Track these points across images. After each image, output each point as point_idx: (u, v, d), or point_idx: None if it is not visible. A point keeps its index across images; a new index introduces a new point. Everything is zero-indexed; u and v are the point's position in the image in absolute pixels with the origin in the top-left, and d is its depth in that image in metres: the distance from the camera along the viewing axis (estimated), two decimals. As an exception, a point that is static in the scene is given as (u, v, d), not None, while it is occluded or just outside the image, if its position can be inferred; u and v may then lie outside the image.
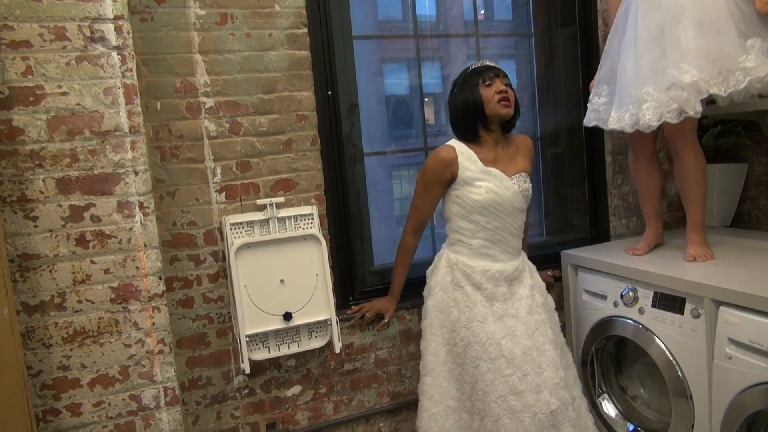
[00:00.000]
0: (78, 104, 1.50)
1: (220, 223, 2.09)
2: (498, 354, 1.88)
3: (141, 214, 1.57)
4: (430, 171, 1.96)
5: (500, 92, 1.91)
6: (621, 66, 2.06)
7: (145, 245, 1.58)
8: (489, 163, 1.97)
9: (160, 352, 1.61)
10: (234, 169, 2.11)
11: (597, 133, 2.68)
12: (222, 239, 2.09)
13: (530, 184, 2.04)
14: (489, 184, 1.93)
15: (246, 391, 2.19)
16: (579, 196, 2.81)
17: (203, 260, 2.09)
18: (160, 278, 1.60)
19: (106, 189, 1.54)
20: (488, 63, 1.99)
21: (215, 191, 2.09)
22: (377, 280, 2.47)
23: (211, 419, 2.15)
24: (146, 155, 1.57)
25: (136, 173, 1.56)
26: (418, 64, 2.53)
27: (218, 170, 2.09)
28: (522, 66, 2.79)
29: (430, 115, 2.76)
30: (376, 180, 2.65)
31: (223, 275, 2.11)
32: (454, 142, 1.98)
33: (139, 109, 1.55)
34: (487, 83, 1.93)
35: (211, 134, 2.07)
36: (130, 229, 1.56)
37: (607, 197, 2.74)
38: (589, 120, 2.27)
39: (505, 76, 1.97)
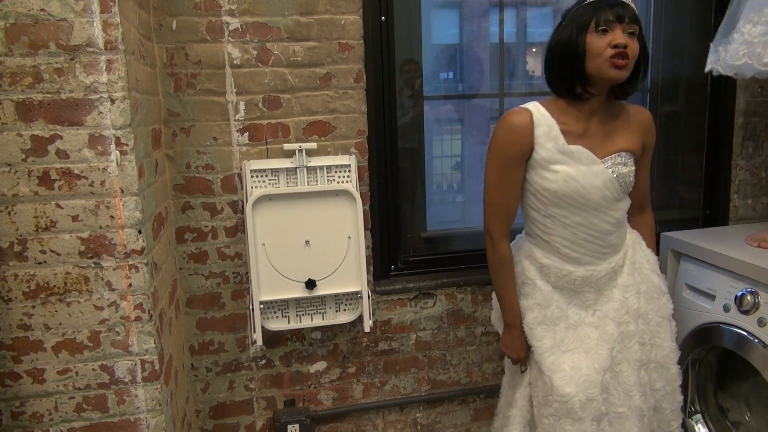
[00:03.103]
0: (42, 10, 1.21)
1: (241, 168, 1.78)
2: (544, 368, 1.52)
3: (117, 152, 1.28)
4: (501, 145, 1.46)
5: (616, 46, 1.34)
6: None
7: (122, 190, 1.29)
8: (575, 138, 1.45)
9: (138, 319, 1.34)
10: (260, 105, 1.78)
11: (727, 86, 2.11)
12: (242, 187, 1.79)
13: (631, 168, 1.51)
14: (569, 168, 1.44)
15: (263, 361, 1.92)
16: (694, 165, 2.29)
17: (220, 210, 1.81)
18: (140, 231, 1.31)
19: (75, 118, 1.25)
20: None
21: (237, 130, 1.78)
22: (428, 248, 2.11)
23: (223, 389, 1.91)
24: (125, 79, 1.26)
25: (113, 101, 1.26)
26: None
27: (241, 106, 1.77)
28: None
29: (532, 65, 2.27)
30: (437, 133, 2.24)
31: (242, 229, 1.82)
32: (532, 105, 1.47)
33: (118, 19, 1.24)
34: (601, 28, 1.35)
35: (235, 62, 1.74)
36: (104, 169, 1.28)
37: (730, 169, 2.19)
38: (738, 56, 1.67)
39: (634, 20, 1.36)
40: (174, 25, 1.69)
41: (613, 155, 1.48)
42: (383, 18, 1.85)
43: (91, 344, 1.35)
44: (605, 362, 1.49)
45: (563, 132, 1.44)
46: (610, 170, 1.46)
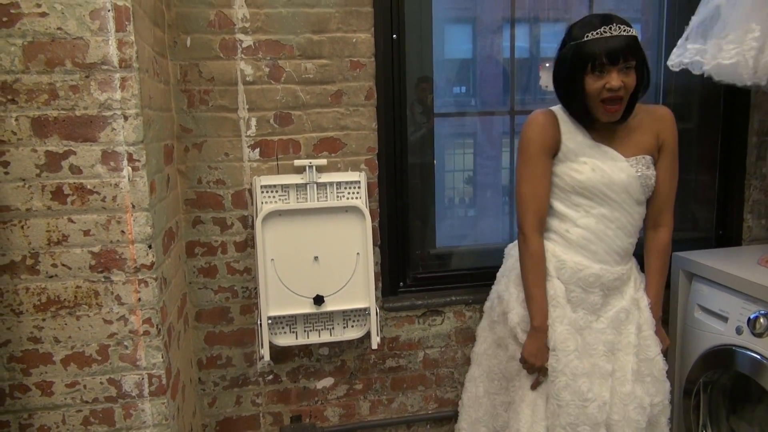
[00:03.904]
0: (59, 29, 1.23)
1: (251, 183, 1.80)
2: (567, 371, 1.50)
3: (129, 168, 1.30)
4: (529, 137, 1.52)
5: (610, 90, 1.40)
6: None
7: (133, 206, 1.31)
8: (600, 138, 1.52)
9: (146, 333, 1.35)
10: (272, 121, 1.79)
11: (741, 105, 2.08)
12: (252, 203, 1.80)
13: (653, 171, 1.55)
14: (596, 161, 1.50)
15: (270, 377, 1.92)
16: (707, 184, 2.26)
17: (230, 225, 1.82)
18: (150, 246, 1.33)
19: (89, 135, 1.27)
20: (613, 31, 1.38)
21: (248, 146, 1.79)
22: (437, 265, 2.10)
23: (230, 403, 1.91)
24: (139, 96, 1.28)
25: (126, 118, 1.28)
26: (512, 12, 2.05)
27: (253, 122, 1.78)
28: (649, 16, 2.22)
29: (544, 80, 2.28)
30: (449, 147, 2.24)
31: (251, 244, 1.83)
32: (556, 108, 1.56)
33: (133, 38, 1.26)
34: (596, 71, 1.40)
35: (248, 79, 1.76)
36: (116, 185, 1.30)
37: (743, 189, 2.16)
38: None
39: (630, 54, 1.39)
40: (188, 42, 1.71)
41: (637, 156, 1.53)
42: (395, 36, 1.87)
43: (99, 358, 1.35)
44: (610, 368, 1.54)
45: (588, 131, 1.52)
46: (634, 169, 1.51)
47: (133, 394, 1.38)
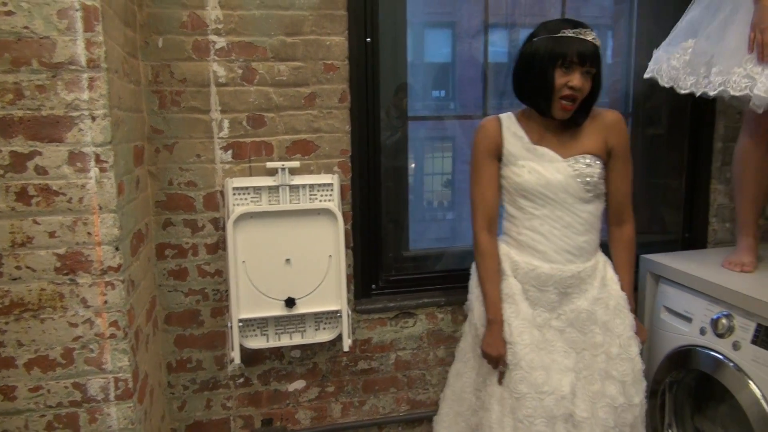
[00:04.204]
0: (26, 27, 1.22)
1: (223, 185, 1.79)
2: (523, 364, 1.55)
3: (97, 169, 1.28)
4: (476, 143, 1.63)
5: (571, 88, 1.47)
6: None
7: (100, 207, 1.29)
8: (541, 139, 1.58)
9: (112, 336, 1.33)
10: (244, 123, 1.79)
11: (707, 111, 2.14)
12: (224, 205, 1.79)
13: (595, 169, 1.57)
14: (533, 164, 1.57)
15: (241, 380, 1.91)
16: (675, 188, 2.31)
17: (201, 227, 1.81)
18: (117, 248, 1.31)
19: (55, 135, 1.26)
20: (588, 36, 1.47)
21: (220, 148, 1.79)
22: (411, 267, 2.11)
23: (200, 407, 1.89)
24: (107, 97, 1.27)
25: (93, 118, 1.26)
26: (486, 17, 2.08)
27: (225, 124, 1.78)
28: (620, 24, 2.26)
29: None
30: (415, 151, 2.25)
31: (223, 246, 1.82)
32: (505, 115, 1.64)
33: (102, 38, 1.25)
34: (564, 67, 1.47)
35: (220, 80, 1.75)
36: (83, 186, 1.28)
37: (709, 193, 2.21)
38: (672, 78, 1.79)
39: (594, 61, 1.47)
40: (160, 43, 1.70)
41: (576, 156, 1.57)
42: (369, 39, 1.88)
43: (63, 361, 1.33)
44: (570, 364, 1.57)
45: (528, 134, 1.59)
46: (571, 169, 1.55)
47: (99, 399, 1.36)
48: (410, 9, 1.97)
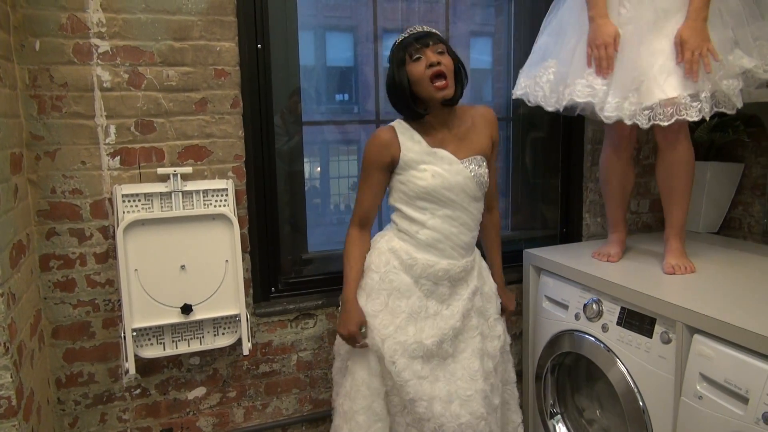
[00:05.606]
0: None
1: (112, 192, 1.74)
2: (417, 353, 1.65)
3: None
4: (368, 153, 1.68)
5: (431, 65, 1.57)
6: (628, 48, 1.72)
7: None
8: (436, 143, 1.67)
9: (-9, 352, 1.28)
10: (132, 129, 1.75)
11: (578, 116, 2.33)
12: (113, 212, 1.75)
13: (484, 169, 1.72)
14: (435, 167, 1.64)
15: (138, 391, 1.87)
16: (553, 187, 2.49)
17: (89, 236, 1.75)
18: (-6, 260, 1.26)
19: None
20: (417, 29, 1.63)
21: (107, 154, 1.74)
22: (311, 269, 2.15)
23: (93, 422, 1.83)
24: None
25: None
26: (375, 25, 2.16)
27: (112, 129, 1.74)
28: (500, 35, 2.42)
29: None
30: (320, 155, 2.30)
31: (113, 255, 1.78)
32: (396, 122, 1.70)
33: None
34: (415, 57, 1.58)
35: (105, 85, 1.71)
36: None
37: (582, 191, 2.41)
38: (539, 97, 1.94)
39: (439, 41, 1.61)
40: (37, 46, 1.64)
41: (470, 157, 1.69)
42: (259, 46, 1.90)
43: (-64, 381, 1.26)
44: (452, 351, 1.70)
45: (425, 139, 1.66)
46: (468, 170, 1.66)
47: (-22, 419, 1.30)
48: (308, 12, 2.01)
